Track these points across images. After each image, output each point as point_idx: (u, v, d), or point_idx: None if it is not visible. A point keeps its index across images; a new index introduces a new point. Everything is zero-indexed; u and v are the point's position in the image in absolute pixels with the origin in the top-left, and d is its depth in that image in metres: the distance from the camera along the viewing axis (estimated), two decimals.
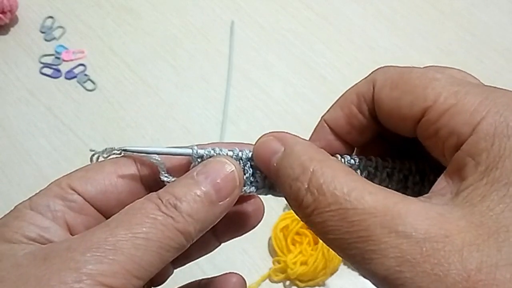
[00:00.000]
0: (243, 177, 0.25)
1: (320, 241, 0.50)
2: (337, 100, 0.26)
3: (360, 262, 0.20)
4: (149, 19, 0.68)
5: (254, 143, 0.26)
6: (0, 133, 0.59)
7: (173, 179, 0.24)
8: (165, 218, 0.22)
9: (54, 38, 0.66)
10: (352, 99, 0.26)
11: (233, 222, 0.28)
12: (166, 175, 0.25)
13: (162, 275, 0.28)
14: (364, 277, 0.20)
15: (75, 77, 0.64)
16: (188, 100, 0.62)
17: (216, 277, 0.29)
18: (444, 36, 0.67)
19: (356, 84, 0.26)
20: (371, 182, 0.21)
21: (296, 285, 0.50)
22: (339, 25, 0.68)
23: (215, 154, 0.25)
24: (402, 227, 0.19)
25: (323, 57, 0.65)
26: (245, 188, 0.25)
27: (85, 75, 0.64)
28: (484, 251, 0.18)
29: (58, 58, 0.65)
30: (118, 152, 0.26)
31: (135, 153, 0.25)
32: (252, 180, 0.25)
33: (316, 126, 0.27)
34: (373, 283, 0.20)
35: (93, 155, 0.26)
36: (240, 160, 0.25)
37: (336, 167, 0.21)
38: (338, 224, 0.20)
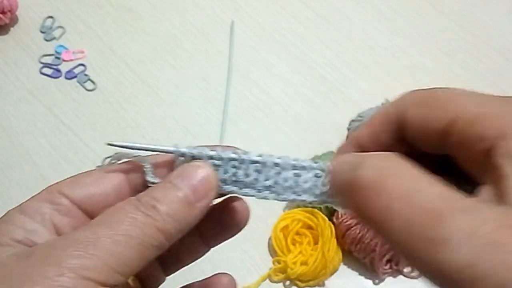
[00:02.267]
0: (226, 176, 0.26)
1: (320, 241, 0.50)
2: (366, 120, 0.27)
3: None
4: (149, 19, 0.68)
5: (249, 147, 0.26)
6: (0, 132, 0.59)
7: (158, 181, 0.25)
8: (144, 217, 0.22)
9: (54, 38, 0.66)
10: (379, 119, 0.26)
11: (219, 225, 0.29)
12: (152, 175, 0.25)
13: (153, 283, 0.29)
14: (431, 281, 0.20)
15: (75, 77, 0.64)
16: (188, 100, 0.62)
17: (206, 279, 0.29)
18: (444, 36, 0.67)
19: (384, 105, 0.26)
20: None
21: (296, 285, 0.50)
22: (339, 25, 0.68)
23: (196, 153, 0.25)
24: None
25: (323, 57, 0.65)
26: (226, 187, 0.26)
27: (85, 75, 0.64)
28: None
29: (58, 58, 0.65)
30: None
31: (121, 148, 0.26)
32: (234, 179, 0.26)
33: (344, 143, 0.27)
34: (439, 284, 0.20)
35: (104, 160, 0.27)
36: (221, 160, 0.26)
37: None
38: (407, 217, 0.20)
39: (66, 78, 0.64)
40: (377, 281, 0.51)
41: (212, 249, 0.55)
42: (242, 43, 0.66)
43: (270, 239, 0.52)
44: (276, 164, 0.26)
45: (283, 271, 0.50)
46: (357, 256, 0.50)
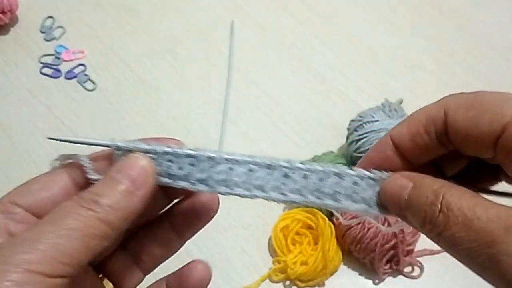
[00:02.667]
0: (161, 169, 0.27)
1: (320, 241, 0.50)
2: (405, 119, 0.28)
3: (490, 268, 0.22)
4: (149, 19, 0.68)
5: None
6: (0, 132, 0.59)
7: (99, 177, 0.26)
8: (86, 211, 0.24)
9: (54, 38, 0.66)
10: (421, 119, 0.27)
11: (190, 216, 0.30)
12: (92, 173, 0.26)
13: (129, 281, 0.30)
14: (496, 286, 0.22)
15: (75, 77, 0.64)
16: (188, 100, 0.62)
17: (182, 267, 0.30)
18: (444, 36, 0.67)
19: (425, 106, 0.27)
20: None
21: (296, 285, 0.50)
22: (339, 25, 0.68)
23: (132, 146, 0.27)
24: None
25: (323, 57, 0.65)
26: (163, 179, 0.27)
27: (85, 75, 0.64)
28: None
29: (58, 58, 0.65)
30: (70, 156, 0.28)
31: (59, 141, 0.28)
32: (169, 172, 0.27)
33: (379, 140, 0.28)
34: None
35: (52, 162, 0.28)
36: (157, 154, 0.27)
37: (462, 190, 0.24)
38: (465, 234, 0.23)
39: (66, 78, 0.64)
40: (377, 281, 0.51)
41: (212, 249, 0.55)
42: (242, 43, 0.66)
43: (270, 239, 0.52)
44: (210, 158, 0.27)
45: (283, 271, 0.50)
46: (357, 256, 0.50)
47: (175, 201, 0.30)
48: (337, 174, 0.27)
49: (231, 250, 0.52)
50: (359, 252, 0.50)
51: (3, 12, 0.65)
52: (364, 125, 0.52)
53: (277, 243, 0.51)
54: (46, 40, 0.66)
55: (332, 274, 0.51)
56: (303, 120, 0.60)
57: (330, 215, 0.51)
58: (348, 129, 0.54)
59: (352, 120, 0.54)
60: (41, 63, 0.65)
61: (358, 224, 0.49)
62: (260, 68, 0.64)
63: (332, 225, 0.50)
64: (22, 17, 0.68)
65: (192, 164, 0.27)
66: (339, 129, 0.57)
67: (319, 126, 0.60)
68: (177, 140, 0.28)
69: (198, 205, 0.29)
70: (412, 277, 0.50)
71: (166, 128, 0.60)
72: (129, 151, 0.27)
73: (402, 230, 0.48)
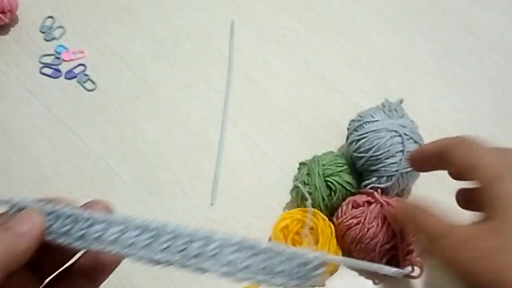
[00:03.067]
0: (56, 228, 0.29)
1: (320, 241, 0.50)
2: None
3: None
4: (149, 19, 0.68)
5: (82, 204, 0.31)
6: (0, 133, 0.59)
7: None
8: None
9: (54, 38, 0.66)
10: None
11: (95, 264, 0.32)
12: None
13: None
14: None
15: (75, 77, 0.64)
16: (188, 99, 0.62)
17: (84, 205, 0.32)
18: (444, 36, 0.67)
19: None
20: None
21: None
22: (339, 25, 0.68)
23: (26, 205, 0.30)
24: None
25: (323, 57, 0.65)
26: (56, 239, 0.29)
27: (85, 75, 0.64)
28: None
29: (58, 58, 0.65)
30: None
31: None
32: (61, 232, 0.29)
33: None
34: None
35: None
36: (48, 213, 0.29)
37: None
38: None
39: (66, 78, 0.64)
40: (377, 281, 0.51)
41: None
42: (242, 43, 0.66)
43: (270, 239, 0.52)
44: (87, 219, 0.29)
45: None
46: (357, 256, 0.50)
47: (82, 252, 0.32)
48: (204, 238, 0.29)
49: None
50: (359, 252, 0.50)
51: (3, 12, 0.65)
52: (364, 125, 0.52)
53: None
54: (46, 40, 0.66)
55: (332, 274, 0.51)
56: (303, 120, 0.60)
57: (330, 215, 0.51)
58: (348, 129, 0.54)
59: (352, 120, 0.54)
60: (41, 63, 0.65)
61: (358, 224, 0.49)
62: (260, 68, 0.64)
63: (332, 225, 0.50)
64: (22, 17, 0.68)
65: (71, 222, 0.29)
66: (339, 129, 0.57)
67: (319, 126, 0.60)
68: (104, 204, 0.31)
69: (98, 265, 0.32)
70: (412, 277, 0.50)
71: (166, 128, 0.60)
72: (22, 208, 0.29)
73: (402, 230, 0.49)
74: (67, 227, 0.29)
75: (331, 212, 0.52)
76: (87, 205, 0.31)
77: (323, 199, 0.51)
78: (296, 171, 0.55)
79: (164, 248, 0.28)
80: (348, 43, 0.67)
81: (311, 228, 0.51)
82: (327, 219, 0.50)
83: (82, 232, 0.29)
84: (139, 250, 0.28)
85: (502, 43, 0.67)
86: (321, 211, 0.51)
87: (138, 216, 0.29)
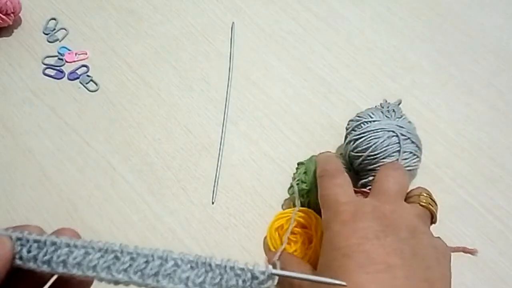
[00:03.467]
0: (24, 253, 0.31)
1: (314, 240, 0.51)
2: None
3: None
4: (150, 21, 0.69)
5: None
6: (4, 133, 0.60)
7: None
8: None
9: (57, 40, 0.67)
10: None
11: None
12: None
13: None
14: None
15: (78, 78, 0.64)
16: (189, 100, 0.63)
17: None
18: (441, 38, 0.68)
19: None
20: None
21: None
22: (337, 27, 0.69)
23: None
24: None
25: (322, 58, 0.66)
26: (25, 264, 0.31)
27: (88, 76, 0.64)
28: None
29: (61, 59, 0.66)
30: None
31: None
32: (28, 257, 0.31)
33: None
34: None
35: None
36: (16, 239, 0.31)
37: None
38: None
39: (69, 79, 0.64)
40: None
41: (212, 247, 0.56)
42: (242, 45, 0.67)
43: (265, 238, 0.53)
44: (52, 244, 0.31)
45: None
46: None
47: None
48: (161, 258, 0.31)
49: (231, 249, 0.53)
50: None
51: (6, 14, 0.65)
52: (362, 125, 0.53)
53: (272, 243, 0.51)
54: (49, 42, 0.67)
55: None
56: (303, 121, 0.61)
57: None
58: (346, 128, 0.55)
59: (351, 120, 0.55)
60: (44, 64, 0.65)
61: None
62: (260, 69, 0.65)
63: None
64: (25, 19, 0.69)
65: (38, 247, 0.31)
66: (338, 130, 0.58)
67: (318, 127, 0.61)
68: (72, 231, 0.33)
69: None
70: None
71: (167, 128, 0.61)
72: None
73: None
74: (33, 252, 0.31)
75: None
76: (55, 232, 0.33)
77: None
78: (295, 171, 0.56)
79: (125, 269, 0.30)
80: (347, 44, 0.67)
81: (305, 227, 0.51)
82: (320, 218, 0.51)
83: (48, 256, 0.31)
84: (101, 271, 0.30)
85: (497, 44, 0.67)
86: (317, 209, 0.51)
87: (100, 240, 0.32)
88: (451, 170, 0.58)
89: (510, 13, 0.71)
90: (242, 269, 0.30)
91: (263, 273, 0.30)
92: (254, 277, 0.30)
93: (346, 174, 0.47)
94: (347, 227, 0.40)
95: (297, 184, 0.52)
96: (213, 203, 0.56)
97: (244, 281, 0.30)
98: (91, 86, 0.64)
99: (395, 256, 0.38)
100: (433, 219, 0.46)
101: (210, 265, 0.30)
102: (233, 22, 0.69)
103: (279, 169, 0.58)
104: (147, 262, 0.30)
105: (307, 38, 0.68)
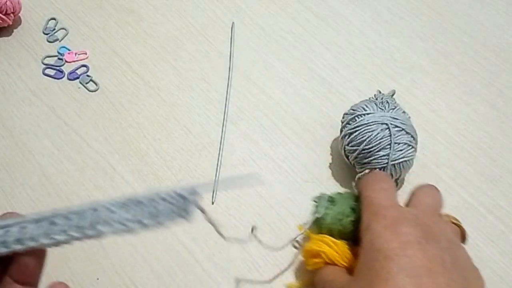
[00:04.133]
0: None
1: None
2: None
3: None
4: (150, 21, 0.69)
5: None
6: (4, 133, 0.60)
7: None
8: None
9: (57, 40, 0.67)
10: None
11: (20, 277, 0.34)
12: None
13: None
14: None
15: (77, 78, 0.64)
16: (189, 100, 0.63)
17: None
18: (441, 38, 0.68)
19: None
20: None
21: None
22: (338, 27, 0.69)
23: None
24: None
25: (322, 58, 0.66)
26: None
27: (88, 76, 0.64)
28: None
29: (61, 59, 0.66)
30: None
31: None
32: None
33: None
34: None
35: None
36: None
37: None
38: None
39: (69, 79, 0.64)
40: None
41: (213, 248, 0.56)
42: (242, 44, 0.67)
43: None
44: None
45: None
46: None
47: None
48: (92, 208, 0.33)
49: (231, 248, 0.53)
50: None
51: (6, 14, 0.65)
52: (356, 118, 0.53)
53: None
54: (49, 42, 0.67)
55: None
56: (303, 121, 0.61)
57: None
58: (342, 121, 0.55)
59: (345, 113, 0.55)
60: (44, 64, 0.65)
61: None
62: (260, 69, 0.65)
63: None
64: (25, 19, 0.69)
65: None
66: (338, 129, 0.58)
67: (318, 126, 0.61)
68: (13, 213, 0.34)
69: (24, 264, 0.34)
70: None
71: (167, 128, 0.61)
72: None
73: None
74: None
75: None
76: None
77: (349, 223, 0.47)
78: (295, 171, 0.56)
79: (63, 230, 0.32)
80: (347, 44, 0.67)
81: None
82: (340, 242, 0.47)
83: None
84: (42, 238, 0.32)
85: (498, 44, 0.67)
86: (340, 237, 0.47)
87: (33, 212, 0.33)
88: (451, 170, 0.58)
89: (511, 13, 0.71)
90: (170, 195, 0.32)
91: (184, 189, 0.32)
92: (180, 196, 0.32)
93: (393, 181, 0.50)
94: (389, 230, 0.40)
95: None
96: (213, 203, 0.56)
97: (172, 202, 0.32)
98: (91, 86, 0.64)
99: (437, 263, 0.38)
100: (463, 239, 0.47)
101: (140, 201, 0.32)
102: (233, 22, 0.69)
103: (279, 169, 0.58)
104: (81, 217, 0.32)
105: (307, 38, 0.68)
